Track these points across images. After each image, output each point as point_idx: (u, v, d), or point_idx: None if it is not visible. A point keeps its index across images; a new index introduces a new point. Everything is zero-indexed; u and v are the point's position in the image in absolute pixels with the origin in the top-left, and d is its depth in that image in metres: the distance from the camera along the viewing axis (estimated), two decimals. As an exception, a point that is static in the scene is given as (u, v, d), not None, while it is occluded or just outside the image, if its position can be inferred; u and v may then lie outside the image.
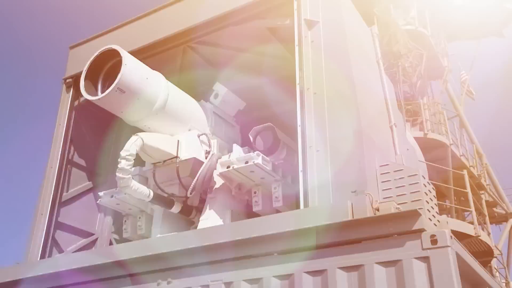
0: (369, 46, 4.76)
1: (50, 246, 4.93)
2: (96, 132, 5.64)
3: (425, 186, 3.53)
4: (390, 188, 3.55)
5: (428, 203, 3.48)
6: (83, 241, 5.28)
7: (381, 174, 3.60)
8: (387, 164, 3.63)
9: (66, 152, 5.30)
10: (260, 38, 5.00)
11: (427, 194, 3.52)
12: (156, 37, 5.10)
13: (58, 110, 5.57)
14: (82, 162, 5.49)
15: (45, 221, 4.95)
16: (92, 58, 4.14)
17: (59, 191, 5.16)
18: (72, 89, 5.50)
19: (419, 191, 3.45)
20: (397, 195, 3.47)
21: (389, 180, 3.57)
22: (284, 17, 4.43)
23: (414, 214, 2.62)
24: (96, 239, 5.40)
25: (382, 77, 4.62)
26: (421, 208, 3.36)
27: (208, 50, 5.32)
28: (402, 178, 3.51)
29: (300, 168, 3.65)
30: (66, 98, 5.58)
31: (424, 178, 3.58)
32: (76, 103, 5.55)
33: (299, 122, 3.82)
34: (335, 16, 4.15)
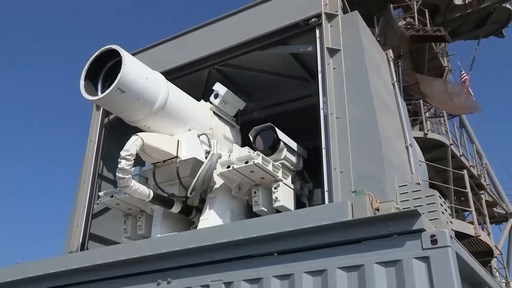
0: (385, 69, 5.05)
1: None
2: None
3: (441, 205, 3.71)
4: (409, 208, 3.69)
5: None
6: None
7: (400, 194, 3.80)
8: (405, 185, 3.86)
9: (97, 167, 5.54)
10: (283, 62, 5.38)
11: (443, 213, 3.68)
12: (185, 60, 5.40)
13: (89, 127, 5.83)
14: (110, 176, 5.72)
15: (81, 233, 5.21)
16: (92, 58, 4.14)
17: (92, 204, 5.40)
18: (101, 107, 5.70)
19: (436, 210, 3.66)
20: None
21: (408, 200, 3.78)
22: (307, 44, 4.75)
23: (414, 214, 2.62)
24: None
25: (398, 98, 4.89)
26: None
27: (232, 71, 5.63)
28: (420, 198, 3.73)
29: (326, 188, 3.92)
30: (97, 116, 5.84)
31: (441, 198, 3.79)
32: (105, 120, 5.79)
33: (323, 145, 4.09)
34: (355, 44, 4.44)
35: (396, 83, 5.00)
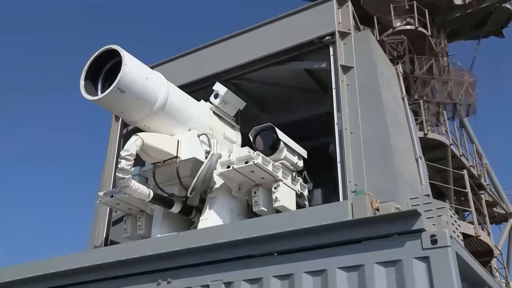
0: (394, 84, 5.25)
1: None
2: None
3: (451, 217, 3.79)
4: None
5: (454, 232, 3.71)
6: None
7: (412, 206, 3.89)
8: (417, 197, 3.97)
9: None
10: (297, 76, 5.60)
11: (453, 225, 3.75)
12: (202, 74, 5.57)
13: (109, 138, 5.95)
14: None
15: (102, 240, 5.35)
16: (92, 58, 4.13)
17: (112, 212, 5.51)
18: (120, 118, 5.77)
19: (446, 221, 3.73)
20: None
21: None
22: (321, 60, 4.96)
23: (414, 214, 2.62)
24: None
25: (407, 112, 5.08)
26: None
27: (247, 84, 5.82)
28: (431, 210, 3.82)
29: (341, 200, 4.07)
30: (116, 126, 5.94)
31: (451, 209, 3.89)
32: (124, 131, 5.90)
33: (338, 159, 4.26)
34: (368, 61, 4.63)
35: (405, 97, 5.19)
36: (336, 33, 4.80)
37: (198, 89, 5.49)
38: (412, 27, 12.83)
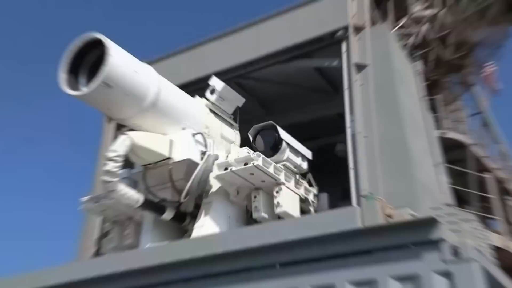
0: (411, 82, 5.20)
1: None
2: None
3: (478, 229, 3.78)
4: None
5: (481, 246, 3.68)
6: None
7: None
8: (438, 207, 3.89)
9: None
10: (305, 74, 5.59)
11: (480, 238, 3.75)
12: (203, 72, 5.53)
13: (101, 140, 6.03)
14: None
15: (92, 254, 5.42)
16: (72, 49, 4.09)
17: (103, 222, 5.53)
18: (114, 120, 5.78)
19: (471, 233, 3.69)
20: None
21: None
22: (332, 58, 4.88)
23: (431, 221, 2.57)
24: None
25: (425, 114, 5.07)
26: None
27: (252, 83, 5.83)
28: (454, 221, 3.73)
29: None
30: (109, 129, 6.03)
31: (477, 220, 3.89)
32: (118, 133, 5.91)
33: (351, 165, 4.25)
34: (383, 58, 4.57)
35: (424, 98, 5.21)
36: (350, 27, 4.71)
37: (197, 90, 5.36)
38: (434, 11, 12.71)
